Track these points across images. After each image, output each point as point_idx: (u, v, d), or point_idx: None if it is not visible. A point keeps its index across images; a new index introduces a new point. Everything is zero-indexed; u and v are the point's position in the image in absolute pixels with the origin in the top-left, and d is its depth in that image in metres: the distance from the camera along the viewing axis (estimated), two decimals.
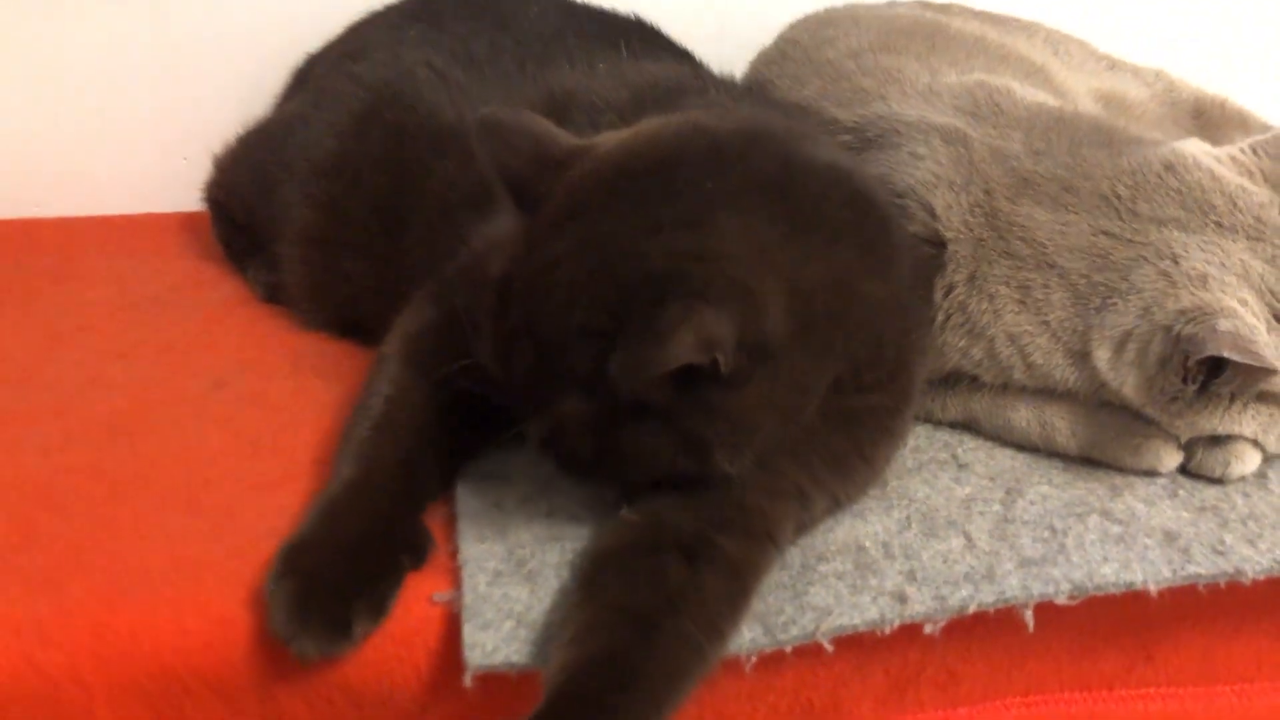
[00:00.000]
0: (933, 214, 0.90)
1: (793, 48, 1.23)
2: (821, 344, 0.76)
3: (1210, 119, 1.48)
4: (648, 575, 0.72)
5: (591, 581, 0.74)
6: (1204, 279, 0.83)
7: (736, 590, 0.74)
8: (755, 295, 0.71)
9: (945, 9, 1.41)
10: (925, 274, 0.90)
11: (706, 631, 0.71)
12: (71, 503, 0.85)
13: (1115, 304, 0.85)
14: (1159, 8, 1.72)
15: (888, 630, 0.76)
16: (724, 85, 1.06)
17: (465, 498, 0.85)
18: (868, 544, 0.82)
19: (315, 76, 1.28)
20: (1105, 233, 0.87)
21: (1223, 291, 0.83)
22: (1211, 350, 0.80)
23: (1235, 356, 0.79)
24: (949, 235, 0.89)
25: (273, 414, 0.98)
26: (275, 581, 0.73)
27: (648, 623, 0.70)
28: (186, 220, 1.43)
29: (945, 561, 0.80)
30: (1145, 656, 0.84)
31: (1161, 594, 0.79)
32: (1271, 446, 0.88)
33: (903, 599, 0.77)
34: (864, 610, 0.76)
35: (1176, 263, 0.84)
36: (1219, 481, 0.88)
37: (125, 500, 0.85)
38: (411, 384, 0.87)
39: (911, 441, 0.94)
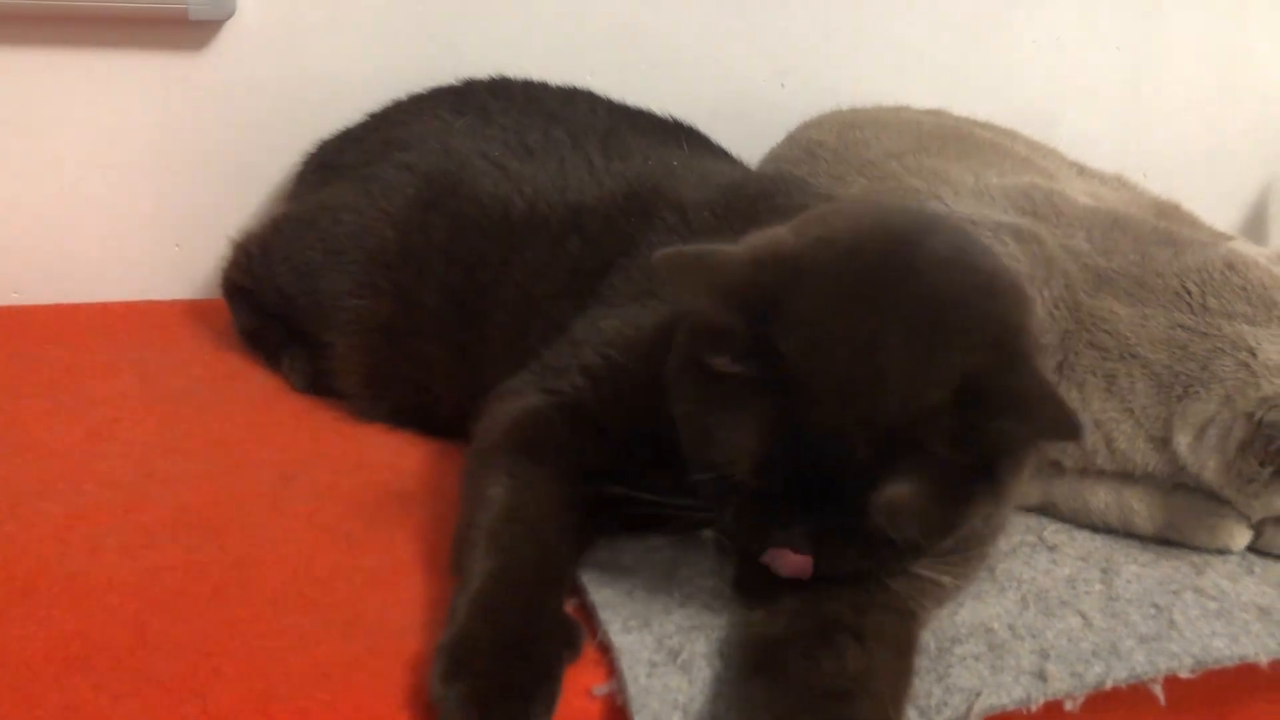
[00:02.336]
0: None
1: (820, 149, 1.29)
2: None
3: (1170, 221, 1.59)
4: (827, 657, 0.73)
5: (762, 668, 0.74)
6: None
7: (903, 668, 0.76)
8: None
9: (936, 114, 1.49)
10: None
11: (893, 706, 0.72)
12: (178, 603, 0.80)
13: (1197, 393, 0.91)
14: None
15: (1034, 708, 0.78)
16: (796, 185, 1.09)
17: (595, 588, 0.84)
18: (995, 625, 0.84)
19: (349, 165, 1.25)
20: (1181, 326, 0.93)
21: None
22: None
23: None
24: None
25: (355, 508, 0.95)
26: (444, 684, 0.70)
27: (840, 700, 0.70)
28: (186, 308, 1.39)
29: (1070, 640, 0.83)
30: None
31: (1274, 666, 0.83)
32: None
33: (1043, 677, 0.79)
34: (1009, 690, 0.78)
35: (1254, 354, 0.91)
36: None
37: (233, 600, 0.81)
38: (531, 473, 0.86)
39: None
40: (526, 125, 1.17)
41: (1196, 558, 0.94)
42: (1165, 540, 0.96)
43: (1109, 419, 0.93)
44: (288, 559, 0.87)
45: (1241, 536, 0.94)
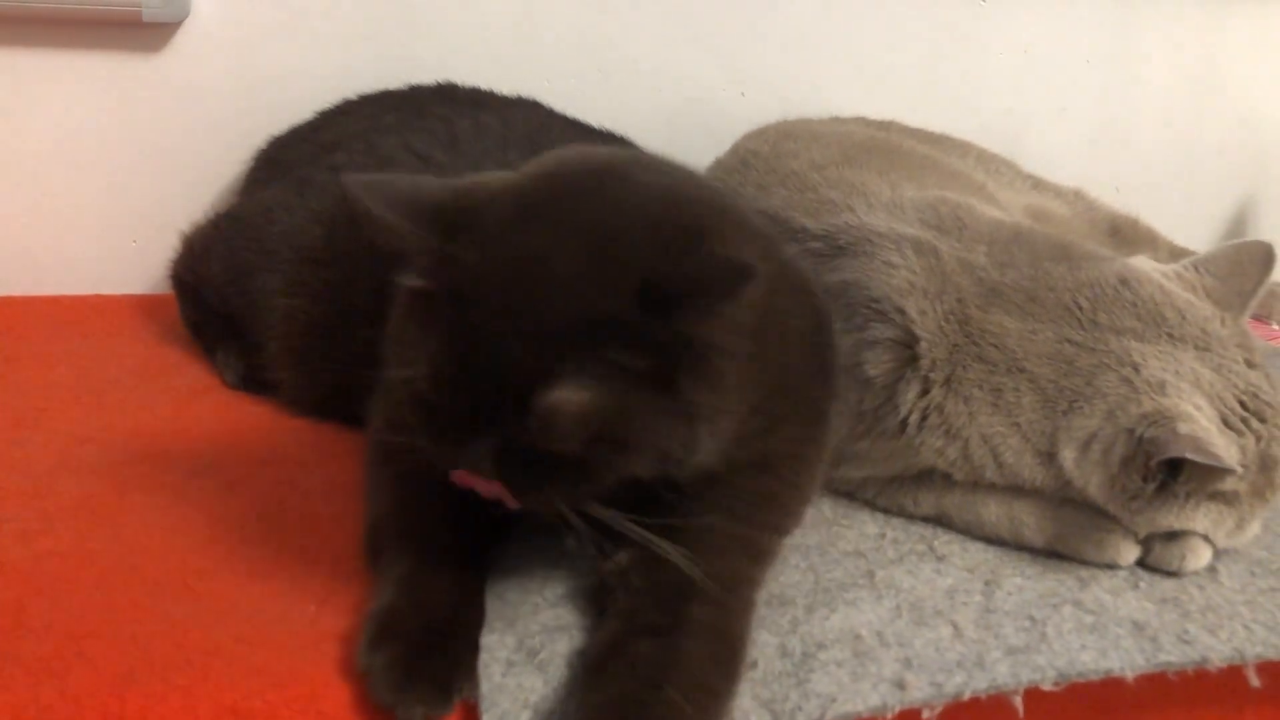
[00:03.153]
0: (907, 317, 0.96)
1: (754, 158, 1.30)
2: (764, 350, 0.81)
3: (1125, 236, 1.60)
4: (633, 659, 0.74)
5: (591, 668, 0.76)
6: (1162, 385, 0.90)
7: (722, 650, 0.77)
8: (756, 269, 0.73)
9: (885, 125, 1.50)
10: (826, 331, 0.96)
11: (693, 695, 0.72)
12: (59, 588, 0.83)
13: (1081, 408, 0.91)
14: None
15: (889, 716, 0.79)
16: None
17: None
18: (863, 633, 0.85)
19: (289, 163, 1.29)
20: (1069, 341, 0.93)
21: (1179, 397, 0.90)
22: (1173, 452, 0.86)
23: (1196, 457, 0.86)
24: (925, 339, 0.95)
25: (255, 501, 0.97)
26: (371, 652, 0.74)
27: (637, 703, 0.71)
28: (138, 303, 1.42)
29: (937, 650, 0.84)
30: None
31: (1138, 680, 0.84)
32: (1220, 542, 0.94)
33: (902, 686, 0.80)
34: (866, 697, 0.79)
35: (1137, 370, 0.91)
36: (1174, 574, 0.95)
37: (117, 587, 0.84)
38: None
39: (889, 533, 0.99)
40: (456, 121, 1.19)
41: (1085, 572, 0.95)
42: (1055, 553, 0.96)
43: (995, 433, 0.94)
44: (178, 549, 0.89)
45: (1129, 551, 0.94)
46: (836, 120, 1.46)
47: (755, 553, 0.85)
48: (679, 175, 0.88)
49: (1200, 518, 0.92)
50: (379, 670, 0.73)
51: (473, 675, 0.75)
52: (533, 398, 0.71)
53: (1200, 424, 0.88)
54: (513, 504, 0.77)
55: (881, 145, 1.26)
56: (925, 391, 0.95)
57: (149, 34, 1.39)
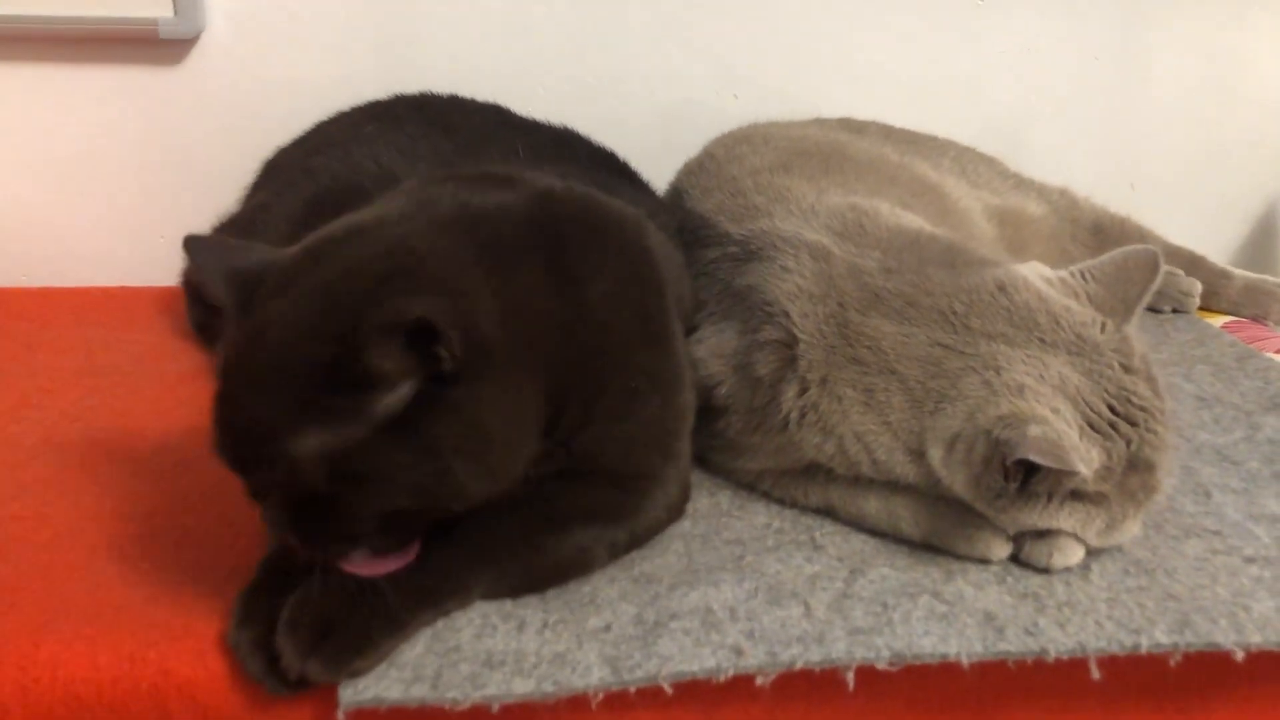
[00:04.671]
0: (790, 320, 1.01)
1: (709, 161, 1.36)
2: (531, 355, 0.86)
3: (1109, 235, 1.60)
4: None
5: None
6: (1021, 389, 0.94)
7: None
8: (466, 293, 0.82)
9: (862, 128, 1.54)
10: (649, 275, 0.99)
11: None
12: (12, 548, 0.95)
13: (945, 409, 0.96)
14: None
15: (722, 679, 0.85)
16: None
17: None
18: (715, 607, 0.92)
19: (282, 168, 1.40)
20: (940, 344, 0.98)
21: (1037, 401, 0.93)
22: (1021, 453, 0.90)
23: (1041, 460, 0.89)
24: (804, 340, 1.01)
25: (206, 476, 1.08)
26: (237, 630, 0.84)
27: None
28: (158, 295, 1.56)
29: (783, 626, 0.90)
30: None
31: (974, 668, 0.89)
32: (1092, 540, 0.97)
33: (739, 652, 0.87)
34: (703, 660, 0.86)
35: (998, 373, 0.95)
36: (1045, 571, 0.98)
37: (61, 548, 0.96)
38: None
39: (775, 523, 1.05)
40: (423, 134, 1.29)
41: (956, 565, 0.99)
42: (933, 547, 1.01)
43: (868, 431, 0.99)
44: (131, 517, 1.01)
45: (1000, 547, 0.98)
46: (805, 123, 1.51)
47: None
48: (412, 225, 0.90)
49: (1065, 517, 0.95)
50: (244, 648, 0.83)
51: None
52: (283, 449, 0.78)
53: (1055, 427, 0.92)
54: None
55: (826, 149, 1.31)
56: (803, 390, 1.01)
57: (167, 49, 1.53)
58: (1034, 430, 0.91)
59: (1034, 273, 1.02)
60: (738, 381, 1.05)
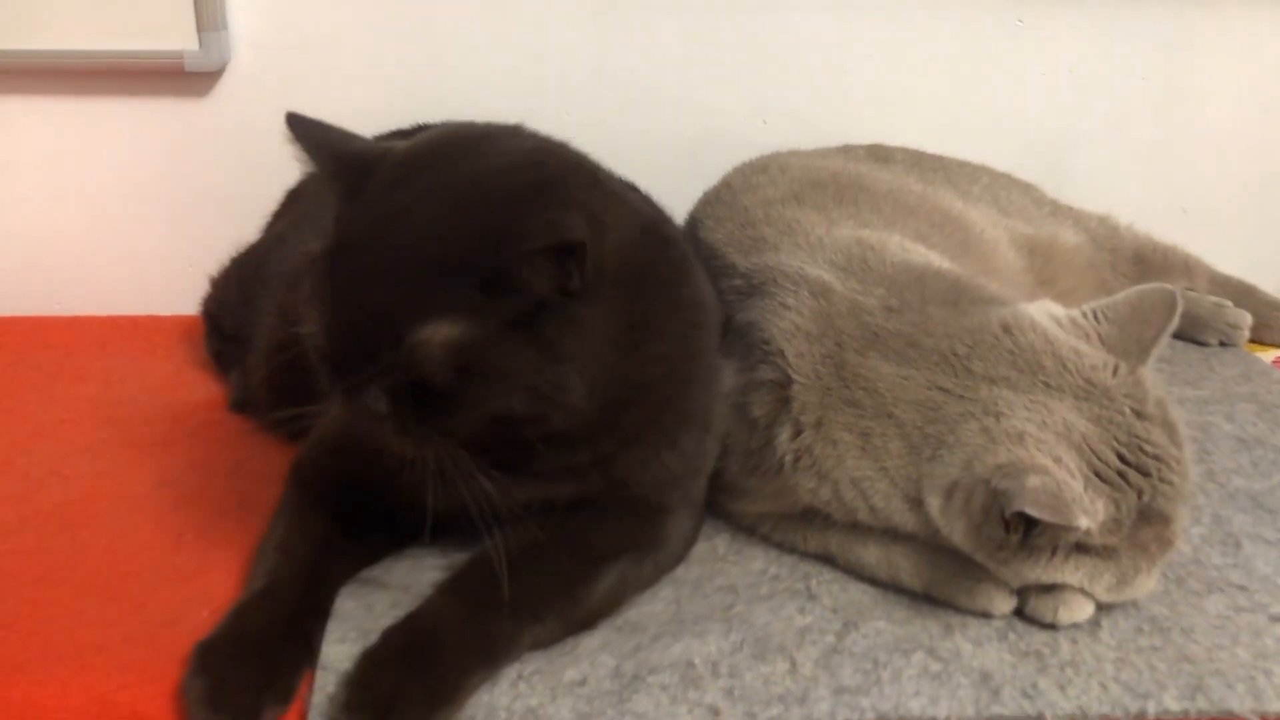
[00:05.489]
0: (785, 360, 0.98)
1: (725, 191, 1.34)
2: (633, 292, 0.88)
3: (1151, 265, 1.54)
4: None
5: None
6: (1021, 436, 0.89)
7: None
8: (600, 219, 0.84)
9: (889, 155, 1.50)
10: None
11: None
12: (6, 584, 0.96)
13: (943, 456, 0.92)
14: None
15: None
16: None
17: (342, 600, 0.94)
18: (697, 661, 0.89)
19: (301, 197, 1.41)
20: (940, 388, 0.94)
21: (1038, 449, 0.89)
22: (1018, 505, 0.85)
23: (1035, 512, 0.85)
24: (799, 382, 0.97)
25: (202, 513, 1.09)
26: (190, 679, 0.83)
27: None
28: (182, 324, 1.57)
29: (765, 683, 0.87)
30: None
31: None
32: (1101, 595, 0.93)
33: (716, 712, 0.84)
34: (678, 719, 0.83)
35: (998, 420, 0.91)
36: (1052, 627, 0.93)
37: (53, 584, 0.97)
38: (307, 506, 0.98)
39: (772, 570, 1.02)
40: None
41: (957, 619, 0.95)
42: (934, 600, 0.97)
43: (864, 477, 0.95)
44: (122, 553, 1.02)
45: (1002, 602, 0.94)
46: (828, 152, 1.47)
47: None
48: (545, 144, 0.94)
49: (1071, 571, 0.91)
50: (193, 697, 0.81)
51: (289, 695, 0.83)
52: (405, 335, 0.78)
53: (1055, 477, 0.87)
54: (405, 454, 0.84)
55: (843, 180, 1.27)
56: (798, 433, 0.97)
57: (193, 82, 1.55)
58: (1033, 481, 0.86)
59: (1043, 313, 0.98)
60: (735, 422, 1.03)
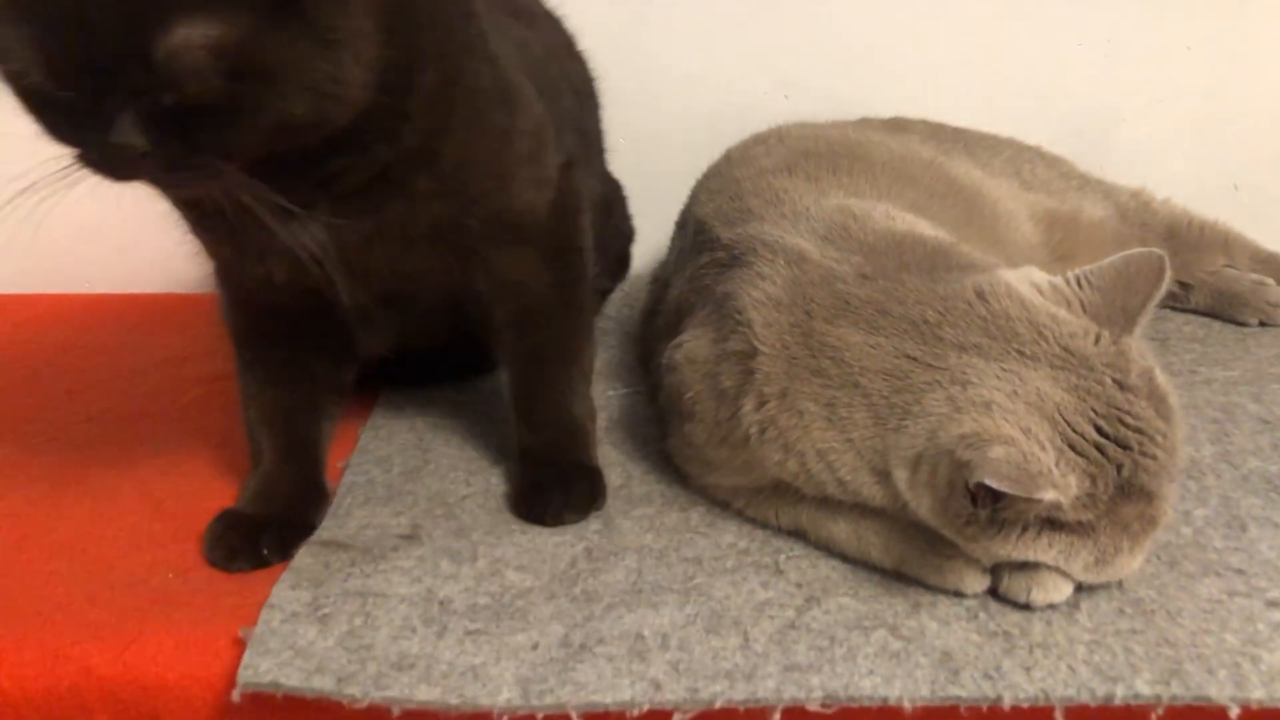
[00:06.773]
0: (752, 330, 0.95)
1: (724, 163, 1.31)
2: None
3: (1184, 240, 1.48)
4: None
5: None
6: (988, 405, 0.85)
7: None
8: None
9: (905, 126, 1.46)
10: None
11: None
12: None
13: (908, 425, 0.88)
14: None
15: (635, 713, 0.81)
16: None
17: (301, 556, 0.96)
18: (647, 633, 0.87)
19: None
20: (908, 356, 0.90)
21: (1005, 419, 0.85)
22: (979, 476, 0.81)
23: (997, 484, 0.81)
24: (765, 351, 0.94)
25: (184, 481, 1.10)
26: (208, 527, 0.98)
27: None
28: (202, 301, 1.59)
29: (715, 658, 0.84)
30: None
31: (919, 713, 0.81)
32: (1078, 575, 0.88)
33: (658, 686, 0.82)
34: (619, 692, 0.81)
35: (965, 388, 0.87)
36: (1026, 607, 0.89)
37: (29, 547, 0.99)
38: (258, 363, 1.11)
39: (741, 544, 0.99)
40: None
41: (926, 597, 0.91)
42: (904, 576, 0.93)
43: (830, 448, 0.92)
44: (101, 518, 1.04)
45: (974, 580, 0.90)
46: (835, 124, 1.43)
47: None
48: None
49: (1044, 549, 0.86)
50: (209, 542, 0.97)
51: (285, 549, 0.96)
52: (153, 45, 0.68)
53: (1021, 448, 0.83)
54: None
55: (839, 148, 1.24)
56: (761, 404, 0.94)
57: None
58: (996, 451, 0.82)
59: (1022, 279, 0.93)
60: (706, 391, 1.00)
